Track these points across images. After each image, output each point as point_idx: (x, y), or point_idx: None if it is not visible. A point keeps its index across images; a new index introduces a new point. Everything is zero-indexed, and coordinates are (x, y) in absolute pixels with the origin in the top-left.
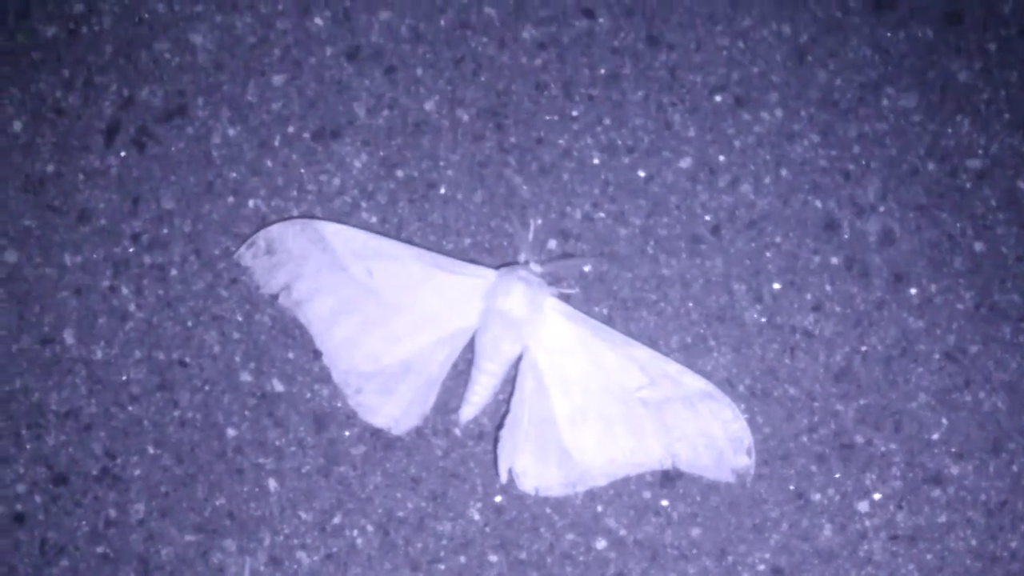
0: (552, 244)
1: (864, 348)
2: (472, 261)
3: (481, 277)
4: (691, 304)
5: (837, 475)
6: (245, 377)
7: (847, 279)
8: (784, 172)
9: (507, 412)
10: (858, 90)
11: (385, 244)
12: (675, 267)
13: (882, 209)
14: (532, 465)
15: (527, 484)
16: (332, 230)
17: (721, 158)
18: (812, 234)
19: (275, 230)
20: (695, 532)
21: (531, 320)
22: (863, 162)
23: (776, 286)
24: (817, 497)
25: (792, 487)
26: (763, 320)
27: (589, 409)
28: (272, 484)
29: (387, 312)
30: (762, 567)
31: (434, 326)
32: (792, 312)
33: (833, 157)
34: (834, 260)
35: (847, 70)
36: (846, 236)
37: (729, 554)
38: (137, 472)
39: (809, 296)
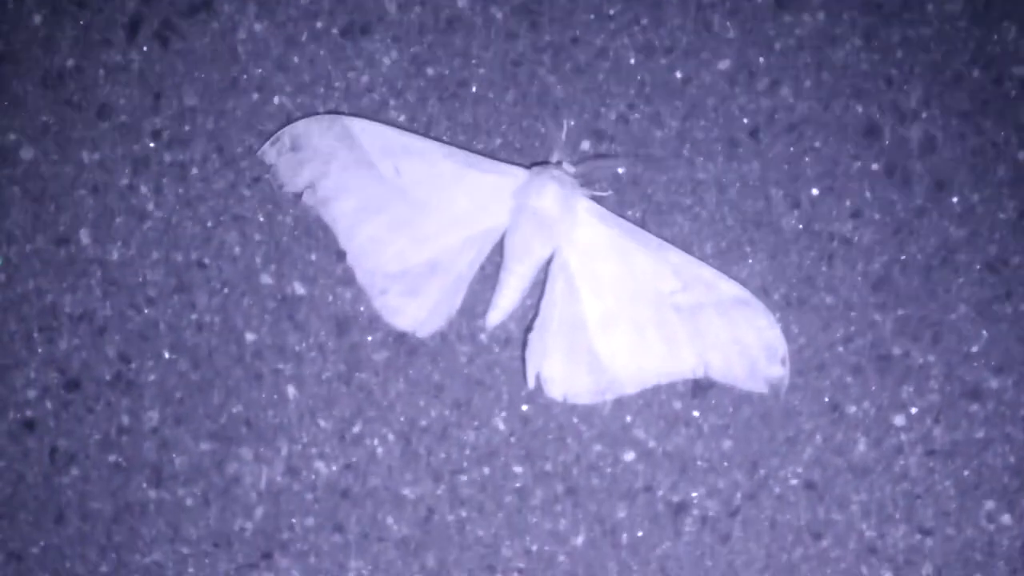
0: (585, 145)
1: (903, 257)
2: (503, 161)
3: (512, 175)
4: (727, 209)
5: (873, 387)
6: (265, 279)
7: (887, 186)
8: (825, 76)
9: (536, 315)
10: None
11: (414, 141)
12: (711, 171)
13: (924, 115)
14: (561, 370)
15: (555, 390)
16: (360, 126)
17: (761, 60)
18: (852, 139)
19: (301, 126)
20: (726, 444)
21: (563, 220)
22: (906, 67)
23: (814, 191)
24: (852, 410)
25: (827, 399)
26: (800, 226)
27: (620, 313)
28: (291, 391)
29: (415, 211)
30: (794, 481)
31: (463, 225)
32: (830, 219)
33: (876, 62)
34: (874, 166)
35: None
36: (887, 142)
37: (761, 467)
38: (152, 377)
39: (848, 202)
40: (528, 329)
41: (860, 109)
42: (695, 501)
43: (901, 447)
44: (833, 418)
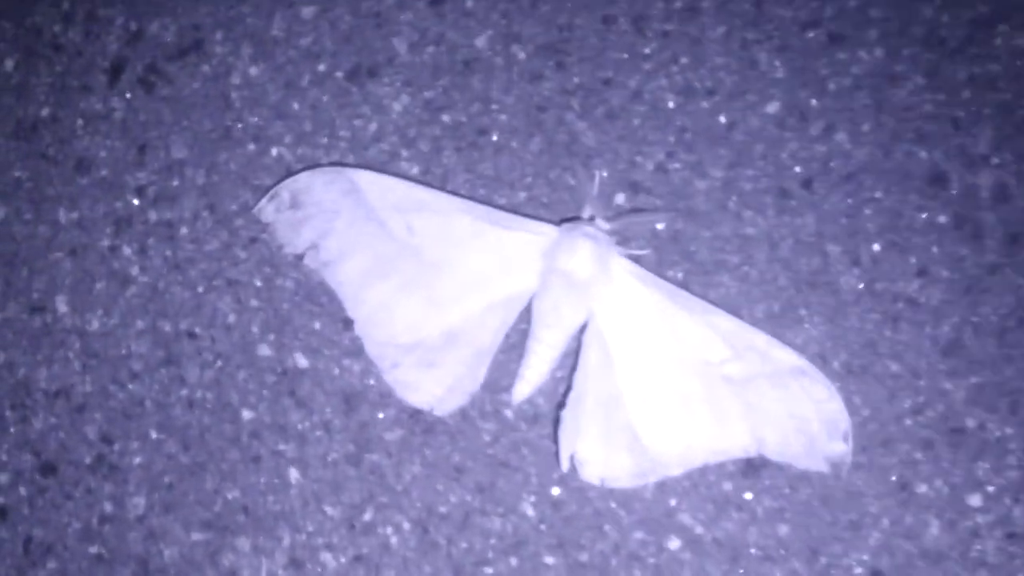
0: (620, 199)
1: (975, 319)
2: (528, 217)
3: (540, 234)
4: (779, 267)
5: (945, 464)
6: (264, 351)
7: (956, 240)
8: (885, 119)
9: (568, 390)
10: (967, 27)
11: (428, 196)
12: (761, 225)
13: (995, 161)
14: (597, 451)
15: (591, 473)
16: (368, 179)
17: (813, 102)
18: (917, 189)
19: (302, 180)
20: (783, 530)
21: (597, 282)
22: (974, 108)
23: (876, 247)
24: (923, 489)
25: (894, 478)
26: (861, 286)
27: (663, 386)
28: (293, 474)
29: (430, 273)
30: (859, 570)
31: (484, 290)
32: (894, 277)
33: (940, 102)
34: (942, 218)
35: (955, 4)
36: (955, 191)
37: (821, 555)
38: (137, 460)
39: (913, 259)
40: (560, 405)
41: (924, 155)
42: None
43: (977, 530)
44: (901, 499)
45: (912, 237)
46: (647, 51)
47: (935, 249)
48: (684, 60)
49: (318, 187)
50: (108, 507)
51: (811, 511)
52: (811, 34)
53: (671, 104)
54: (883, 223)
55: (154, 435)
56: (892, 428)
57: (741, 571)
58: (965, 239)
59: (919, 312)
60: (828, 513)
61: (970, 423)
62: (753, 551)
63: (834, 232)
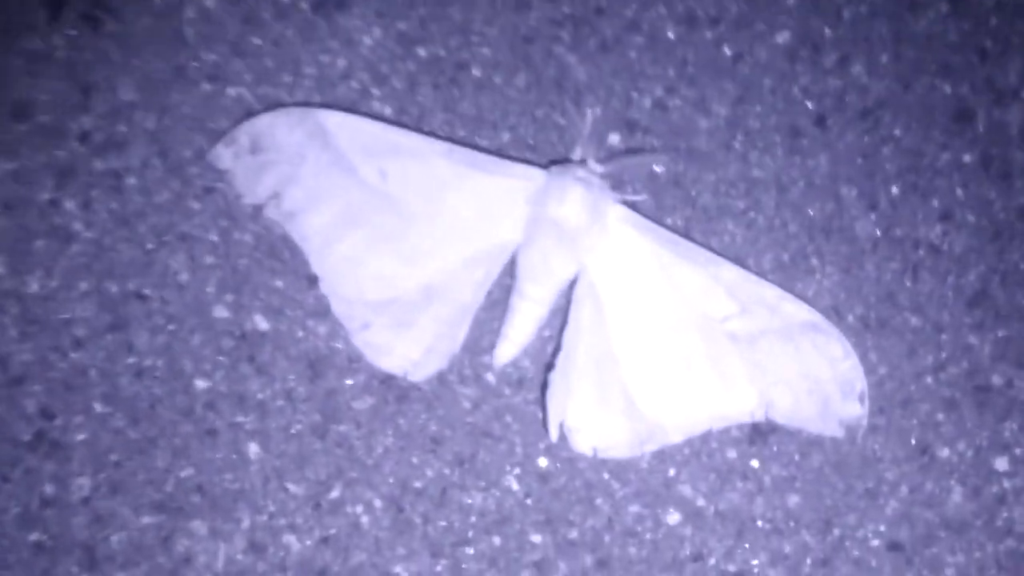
0: (615, 139)
1: (1003, 267)
2: (513, 160)
3: (526, 179)
4: (789, 213)
5: (969, 425)
6: (220, 312)
7: (983, 181)
8: (905, 49)
9: (557, 350)
10: None
11: (403, 138)
12: (769, 167)
13: None
14: (590, 417)
15: (583, 442)
16: (336, 121)
17: (827, 32)
18: (940, 126)
19: (263, 122)
20: (792, 500)
21: (589, 231)
22: (1002, 37)
23: (895, 190)
24: (945, 453)
25: (914, 441)
26: (878, 232)
27: (662, 345)
28: (253, 449)
29: (405, 224)
30: (876, 542)
31: (465, 241)
32: (915, 223)
33: (965, 31)
34: (967, 158)
35: None
36: (981, 128)
37: (835, 526)
38: (81, 436)
39: (936, 202)
40: (548, 367)
41: (948, 89)
42: (756, 570)
43: (1004, 496)
44: (922, 464)
45: (934, 179)
46: None
47: (959, 192)
48: None
49: (281, 130)
50: (49, 489)
51: (823, 479)
52: None
53: (671, 35)
54: (903, 163)
55: (99, 408)
56: (912, 387)
57: (747, 545)
58: (992, 180)
59: (942, 260)
60: (842, 481)
61: (996, 381)
62: (760, 523)
63: (849, 174)
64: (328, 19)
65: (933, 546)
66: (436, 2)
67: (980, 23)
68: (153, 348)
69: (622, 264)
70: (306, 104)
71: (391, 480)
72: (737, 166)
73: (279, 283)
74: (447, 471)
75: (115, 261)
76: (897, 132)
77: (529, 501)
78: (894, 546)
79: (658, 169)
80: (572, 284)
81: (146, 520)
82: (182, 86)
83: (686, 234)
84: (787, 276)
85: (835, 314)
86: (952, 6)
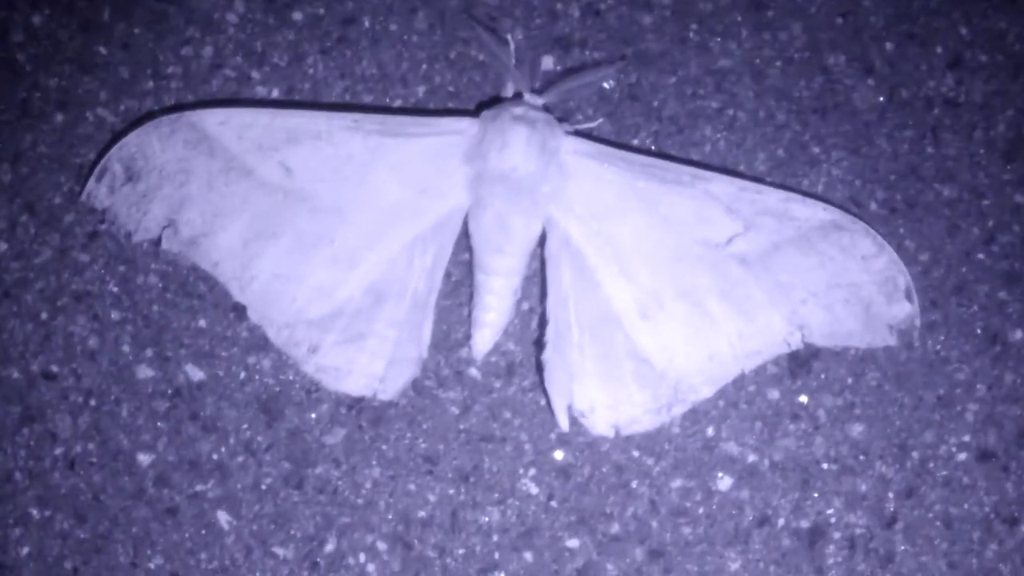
0: (548, 62)
1: None
2: (436, 114)
3: (456, 132)
4: (772, 100)
5: None
6: (144, 372)
7: (988, 10)
8: None
9: (544, 323)
10: None
11: (300, 120)
12: (735, 52)
13: None
14: (600, 393)
15: (600, 423)
16: (216, 120)
17: None
18: None
19: (133, 142)
20: (856, 430)
21: (545, 177)
22: None
23: (889, 45)
24: (1018, 335)
25: (979, 330)
26: (881, 99)
27: (663, 288)
28: (223, 518)
29: (328, 221)
30: (963, 455)
31: (402, 223)
32: (921, 77)
33: None
34: None
35: None
36: None
37: (912, 449)
38: (26, 550)
39: (939, 48)
40: (538, 345)
41: None
42: (833, 521)
43: None
44: (995, 354)
45: (932, 20)
46: None
47: (964, 30)
48: None
49: (155, 146)
50: None
51: (886, 398)
52: None
53: None
54: (891, 12)
55: (37, 514)
56: (963, 268)
57: (815, 495)
58: (1003, 6)
59: (962, 114)
60: (908, 395)
61: None
62: (825, 466)
63: (831, 37)
64: (179, 3)
65: None
66: None
67: None
68: (79, 432)
69: (594, 206)
70: (178, 108)
71: (390, 516)
72: (698, 60)
73: (202, 323)
74: (451, 491)
75: (8, 343)
76: None
77: (554, 503)
78: (985, 455)
79: (607, 85)
80: (542, 244)
81: None
82: (30, 123)
83: (660, 152)
84: (788, 173)
85: (854, 205)
86: None
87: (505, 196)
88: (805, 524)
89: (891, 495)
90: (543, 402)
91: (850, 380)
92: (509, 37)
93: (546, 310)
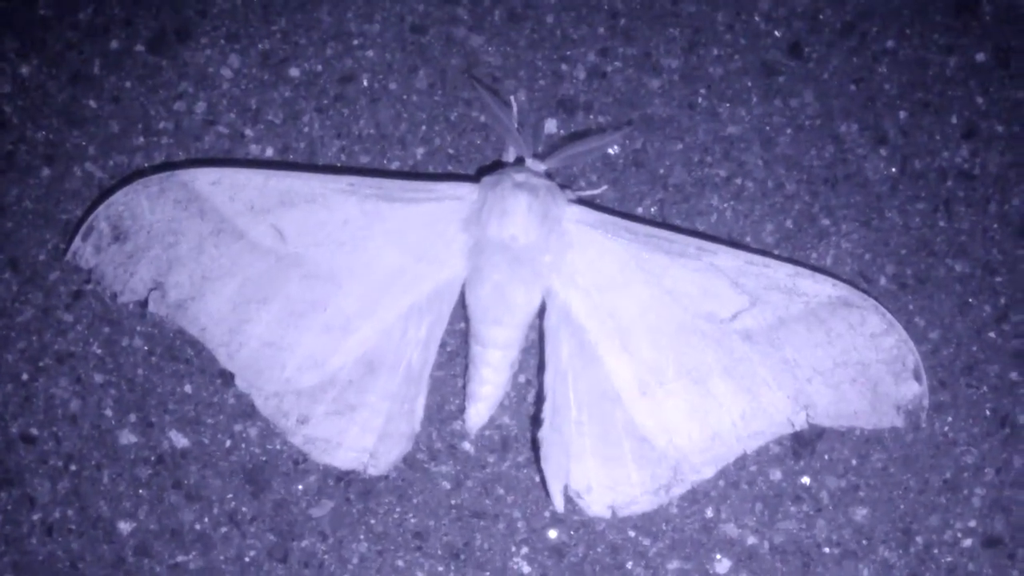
0: (551, 125)
1: None
2: (435, 178)
3: (456, 198)
4: (782, 169)
5: None
6: (127, 438)
7: (1004, 79)
8: None
9: (541, 398)
10: None
11: (295, 182)
12: (745, 119)
13: None
14: (598, 473)
15: (596, 504)
16: (207, 180)
17: None
18: (939, 24)
19: (120, 200)
20: (860, 514)
21: (546, 246)
22: None
23: (902, 114)
24: None
25: (988, 412)
26: (893, 170)
27: (665, 364)
28: None
29: (320, 287)
30: (969, 541)
31: (397, 292)
32: (934, 148)
33: None
34: (979, 56)
35: None
36: (988, 16)
37: (917, 534)
38: None
39: (954, 118)
40: (535, 421)
41: None
42: None
43: None
44: (1003, 436)
45: (947, 89)
46: None
47: (980, 99)
48: None
49: (143, 205)
50: None
51: (891, 481)
52: None
53: None
54: (905, 80)
55: None
56: (973, 347)
57: None
58: (1015, 76)
59: (976, 186)
60: (914, 478)
61: None
62: (827, 550)
63: (844, 105)
64: (172, 57)
65: None
66: (297, 6)
67: None
68: (58, 497)
69: (596, 277)
70: (168, 166)
71: None
72: (707, 126)
73: (188, 388)
74: (441, 568)
75: None
76: (890, 44)
77: None
78: (991, 541)
79: (612, 151)
80: (541, 315)
81: None
82: (15, 176)
83: (664, 221)
84: (796, 245)
85: (863, 279)
86: None
87: (505, 266)
88: None
89: None
90: (538, 478)
91: (854, 461)
92: (512, 99)
93: (543, 384)
